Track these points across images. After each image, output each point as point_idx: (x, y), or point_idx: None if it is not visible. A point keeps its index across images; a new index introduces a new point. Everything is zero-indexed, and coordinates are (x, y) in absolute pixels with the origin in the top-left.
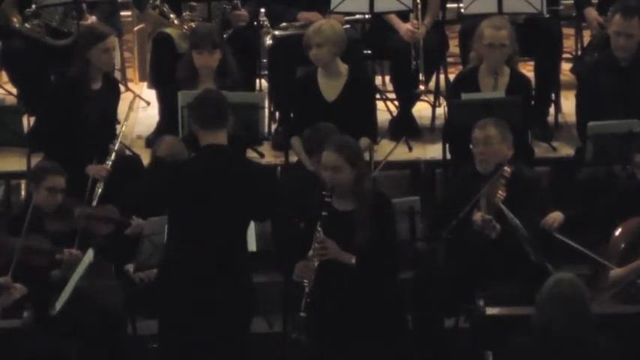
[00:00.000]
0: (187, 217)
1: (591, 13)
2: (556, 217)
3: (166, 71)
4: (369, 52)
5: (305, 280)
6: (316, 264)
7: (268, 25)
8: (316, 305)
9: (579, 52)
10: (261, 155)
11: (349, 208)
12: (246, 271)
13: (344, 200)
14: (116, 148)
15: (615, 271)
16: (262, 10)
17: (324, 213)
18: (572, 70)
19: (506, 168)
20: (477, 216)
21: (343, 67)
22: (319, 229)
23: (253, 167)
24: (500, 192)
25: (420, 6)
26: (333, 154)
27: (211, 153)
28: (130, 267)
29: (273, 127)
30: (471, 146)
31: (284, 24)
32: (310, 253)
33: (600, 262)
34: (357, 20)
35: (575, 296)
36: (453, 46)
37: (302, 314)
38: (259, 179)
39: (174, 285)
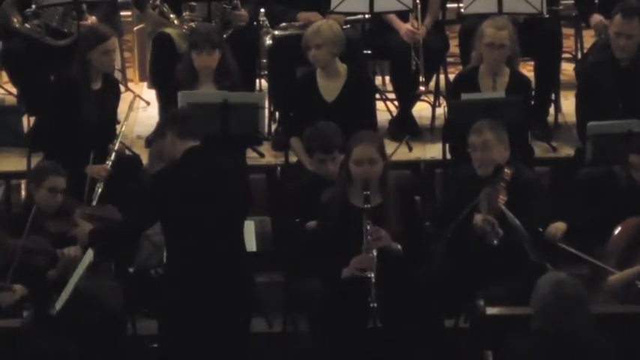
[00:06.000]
0: (181, 219)
1: (596, 18)
2: (559, 226)
3: (166, 71)
4: (369, 52)
5: (368, 272)
6: (375, 253)
7: (268, 25)
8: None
9: (579, 52)
10: (261, 155)
11: (376, 202)
12: (244, 270)
13: (370, 195)
14: (116, 148)
15: (613, 277)
16: (262, 10)
17: (366, 206)
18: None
19: (506, 170)
20: (478, 218)
21: (342, 68)
22: (367, 221)
23: (229, 163)
24: (501, 196)
25: (420, 6)
26: (369, 146)
27: (194, 155)
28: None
29: (273, 127)
30: (469, 150)
31: (284, 24)
32: (364, 246)
33: (603, 268)
34: (357, 20)
35: (576, 296)
36: (453, 46)
37: (373, 305)
38: (234, 174)
39: (175, 285)
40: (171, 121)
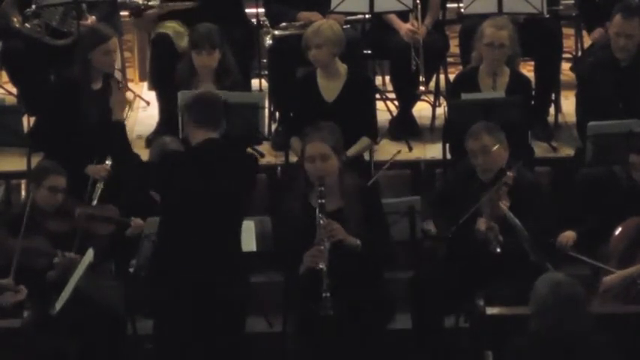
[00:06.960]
0: (180, 212)
1: (596, 33)
2: (569, 235)
3: (166, 71)
4: (369, 52)
5: (320, 264)
6: (327, 246)
7: (268, 25)
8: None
9: (579, 52)
10: (262, 155)
11: (336, 206)
12: (240, 268)
13: (330, 198)
14: None
15: (608, 277)
16: (262, 10)
17: (320, 201)
18: (572, 69)
19: (509, 174)
20: (481, 224)
21: (342, 67)
22: (320, 215)
23: (238, 164)
24: (504, 201)
25: (420, 6)
26: (319, 143)
27: (207, 146)
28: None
29: (273, 127)
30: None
31: (284, 24)
32: (317, 239)
33: (608, 271)
34: (357, 20)
35: (574, 297)
36: (453, 46)
37: (326, 294)
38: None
39: (167, 284)
40: (187, 106)
